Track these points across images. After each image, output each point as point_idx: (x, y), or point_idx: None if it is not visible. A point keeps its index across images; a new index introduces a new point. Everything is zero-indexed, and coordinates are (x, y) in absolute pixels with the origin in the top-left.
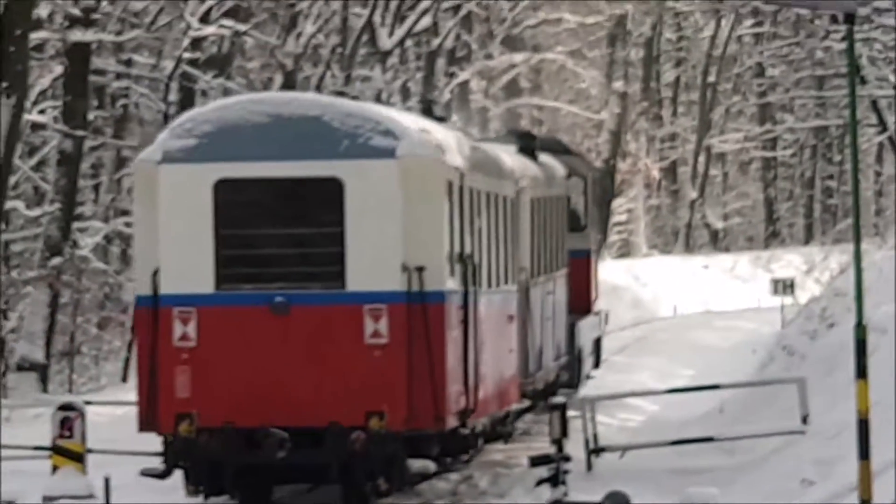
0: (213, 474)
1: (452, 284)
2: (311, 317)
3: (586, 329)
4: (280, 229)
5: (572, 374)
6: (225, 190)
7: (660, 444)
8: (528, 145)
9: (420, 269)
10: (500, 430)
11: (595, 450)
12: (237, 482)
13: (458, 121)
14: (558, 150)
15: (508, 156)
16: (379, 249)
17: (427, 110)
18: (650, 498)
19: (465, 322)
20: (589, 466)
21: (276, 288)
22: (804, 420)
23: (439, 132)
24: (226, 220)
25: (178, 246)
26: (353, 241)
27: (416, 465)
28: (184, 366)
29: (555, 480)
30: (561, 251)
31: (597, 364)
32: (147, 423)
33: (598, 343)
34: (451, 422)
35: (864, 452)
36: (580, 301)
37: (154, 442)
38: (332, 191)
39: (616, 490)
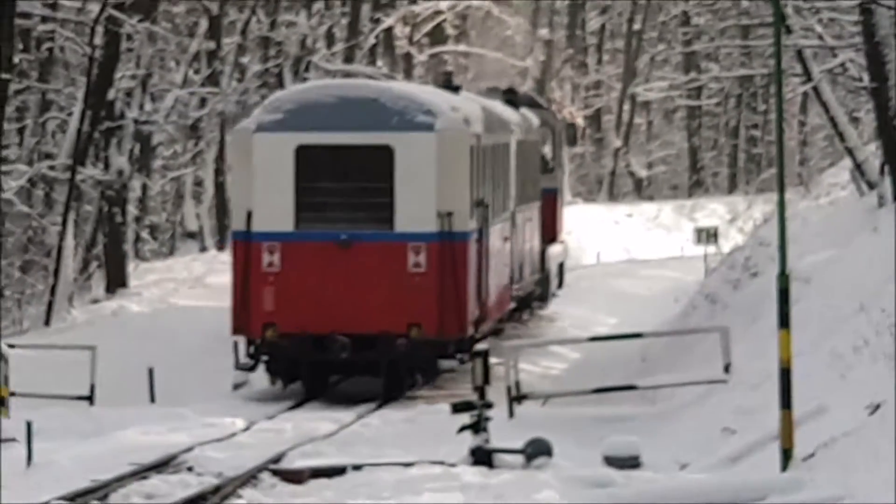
0: (289, 369)
1: (472, 224)
2: (367, 251)
3: (554, 254)
4: (345, 183)
5: (543, 290)
6: (303, 153)
7: (582, 393)
8: (511, 99)
9: (450, 214)
10: (497, 328)
11: (517, 397)
12: (308, 375)
13: (382, 66)
14: (532, 104)
15: (502, 108)
16: (419, 199)
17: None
18: (571, 445)
19: (480, 252)
20: (511, 414)
21: (341, 228)
22: (726, 369)
23: (464, 106)
24: (303, 175)
25: (266, 195)
26: (400, 193)
27: (445, 364)
28: (269, 286)
29: (476, 427)
30: (536, 186)
31: (560, 284)
32: (239, 329)
33: (561, 267)
34: (470, 330)
35: (786, 402)
36: (549, 230)
37: (79, 386)
38: (384, 155)
39: (537, 437)
